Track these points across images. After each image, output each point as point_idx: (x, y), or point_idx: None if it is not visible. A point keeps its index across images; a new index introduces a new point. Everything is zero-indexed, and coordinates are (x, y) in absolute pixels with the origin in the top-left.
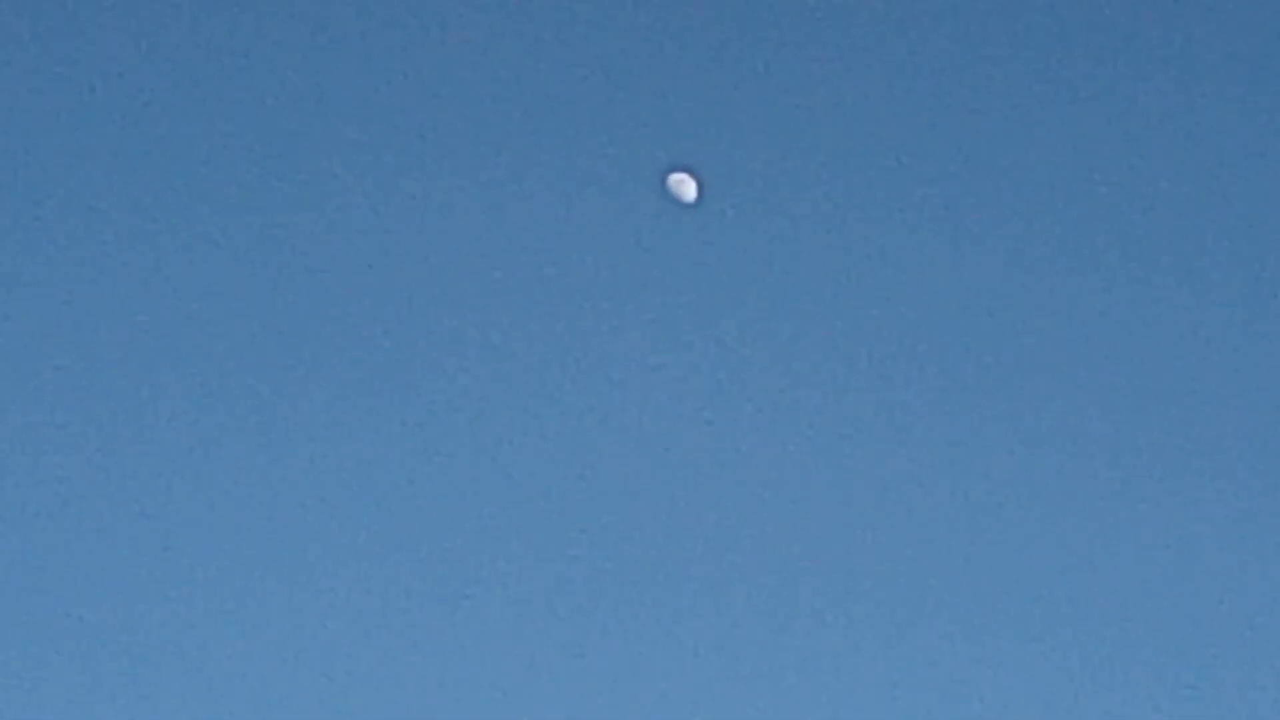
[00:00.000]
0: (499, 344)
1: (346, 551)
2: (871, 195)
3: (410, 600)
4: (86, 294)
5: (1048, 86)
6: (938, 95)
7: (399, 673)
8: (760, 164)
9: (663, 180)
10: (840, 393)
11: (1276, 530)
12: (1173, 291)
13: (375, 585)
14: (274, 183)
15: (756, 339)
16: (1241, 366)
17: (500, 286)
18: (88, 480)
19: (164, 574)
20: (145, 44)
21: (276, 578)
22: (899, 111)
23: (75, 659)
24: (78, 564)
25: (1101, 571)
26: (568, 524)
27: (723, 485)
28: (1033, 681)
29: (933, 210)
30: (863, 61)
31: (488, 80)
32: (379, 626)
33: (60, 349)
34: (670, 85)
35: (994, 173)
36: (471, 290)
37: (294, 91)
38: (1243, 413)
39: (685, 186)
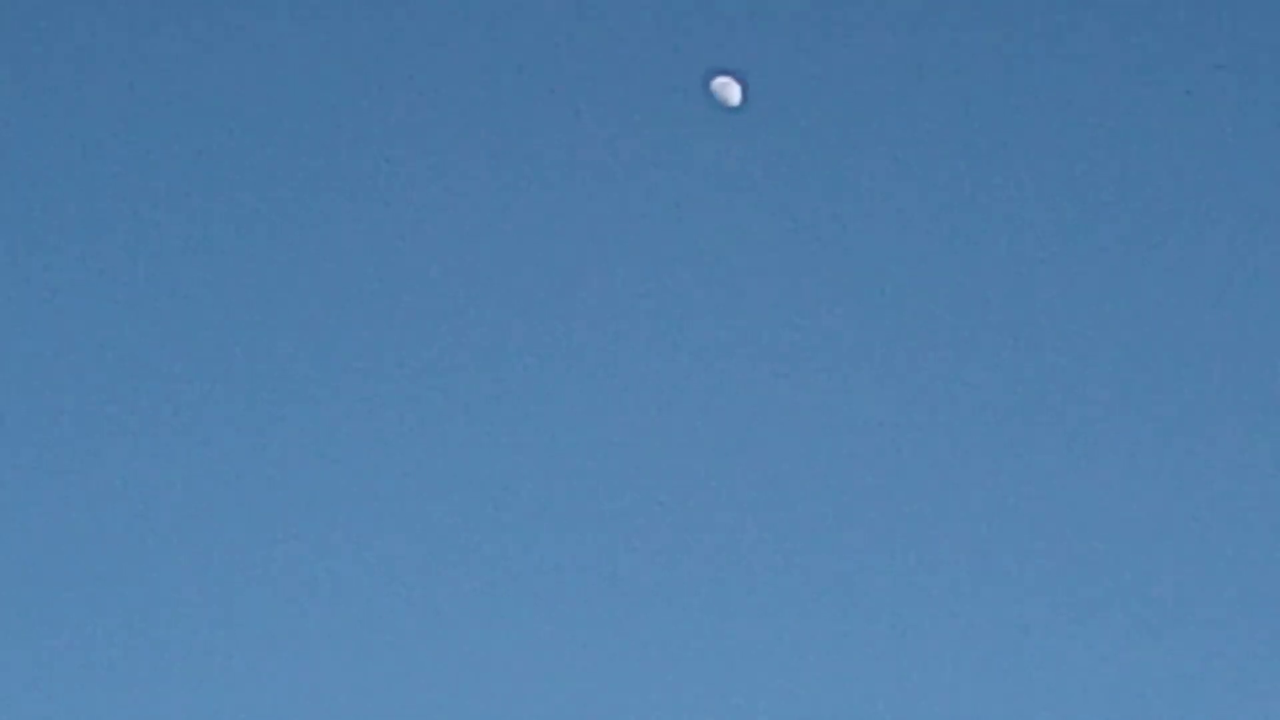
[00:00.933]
0: (541, 246)
1: (350, 535)
2: (918, 99)
3: (419, 585)
4: (84, 293)
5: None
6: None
7: (399, 673)
8: (804, 67)
9: (706, 84)
10: (886, 300)
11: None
12: (1173, 285)
13: (378, 575)
14: (285, 109)
15: (800, 243)
16: (1242, 363)
17: (543, 190)
18: (86, 480)
19: (163, 573)
20: (145, 43)
21: (276, 576)
22: (948, 13)
23: (75, 659)
24: (77, 563)
25: (1104, 569)
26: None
27: (762, 401)
28: (1035, 680)
29: (981, 113)
30: None
31: None
32: (379, 625)
33: (60, 348)
34: None
35: (1054, 76)
36: (513, 195)
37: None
38: (1243, 410)
39: (729, 90)
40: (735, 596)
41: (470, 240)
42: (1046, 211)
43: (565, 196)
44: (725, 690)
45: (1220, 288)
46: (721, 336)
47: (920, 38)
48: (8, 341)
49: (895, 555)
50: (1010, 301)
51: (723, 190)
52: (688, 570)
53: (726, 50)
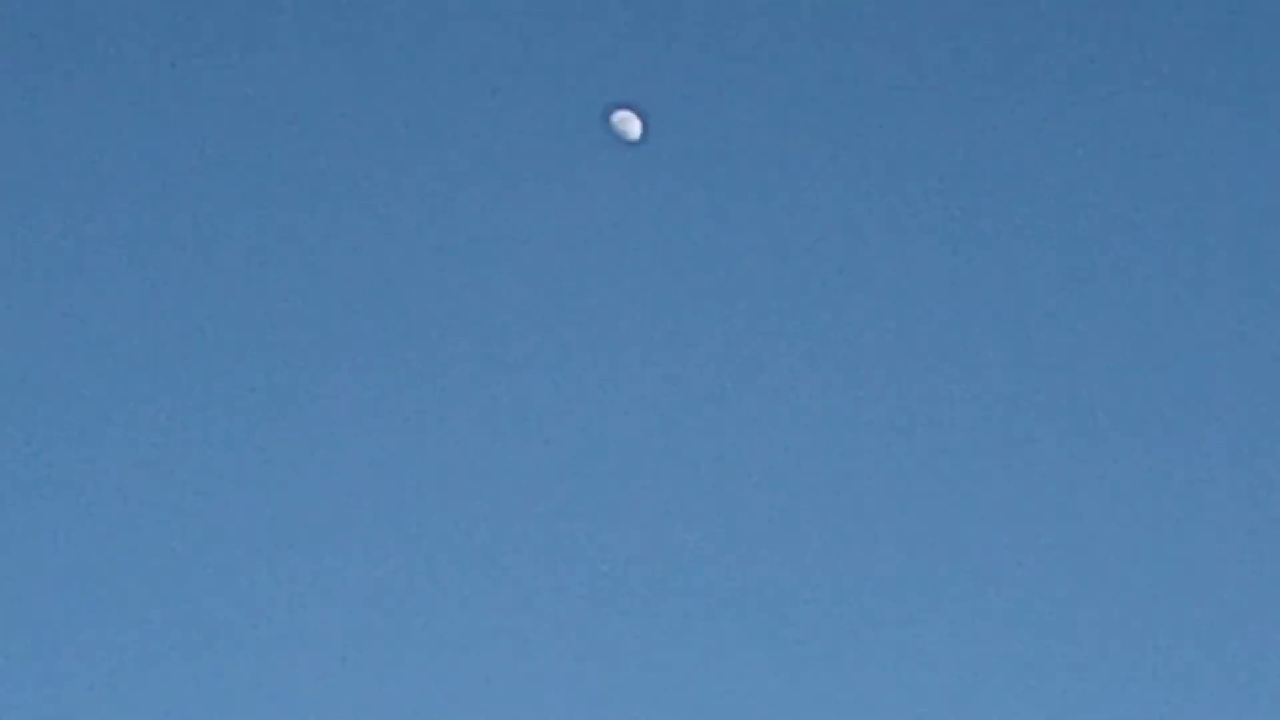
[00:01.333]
0: (437, 288)
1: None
2: (823, 133)
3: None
4: (85, 293)
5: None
6: (897, 28)
7: (399, 674)
8: (707, 101)
9: (606, 117)
10: (790, 339)
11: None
12: (1173, 289)
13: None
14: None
15: (703, 281)
16: (1242, 365)
17: (437, 227)
18: (87, 480)
19: (163, 575)
20: (145, 43)
21: (277, 578)
22: (850, 45)
23: (75, 659)
24: (78, 564)
25: (1105, 571)
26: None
27: (668, 439)
28: (1035, 683)
29: (888, 148)
30: None
31: (425, 13)
32: (380, 626)
33: (61, 349)
34: (614, 18)
35: (952, 116)
36: (409, 233)
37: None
38: (1243, 412)
39: (629, 124)
40: (733, 607)
41: (364, 280)
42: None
43: (462, 232)
44: (724, 693)
45: (1219, 302)
46: (616, 380)
47: (824, 68)
48: (10, 343)
49: (890, 572)
50: (937, 348)
51: (622, 229)
52: (683, 583)
53: (626, 84)
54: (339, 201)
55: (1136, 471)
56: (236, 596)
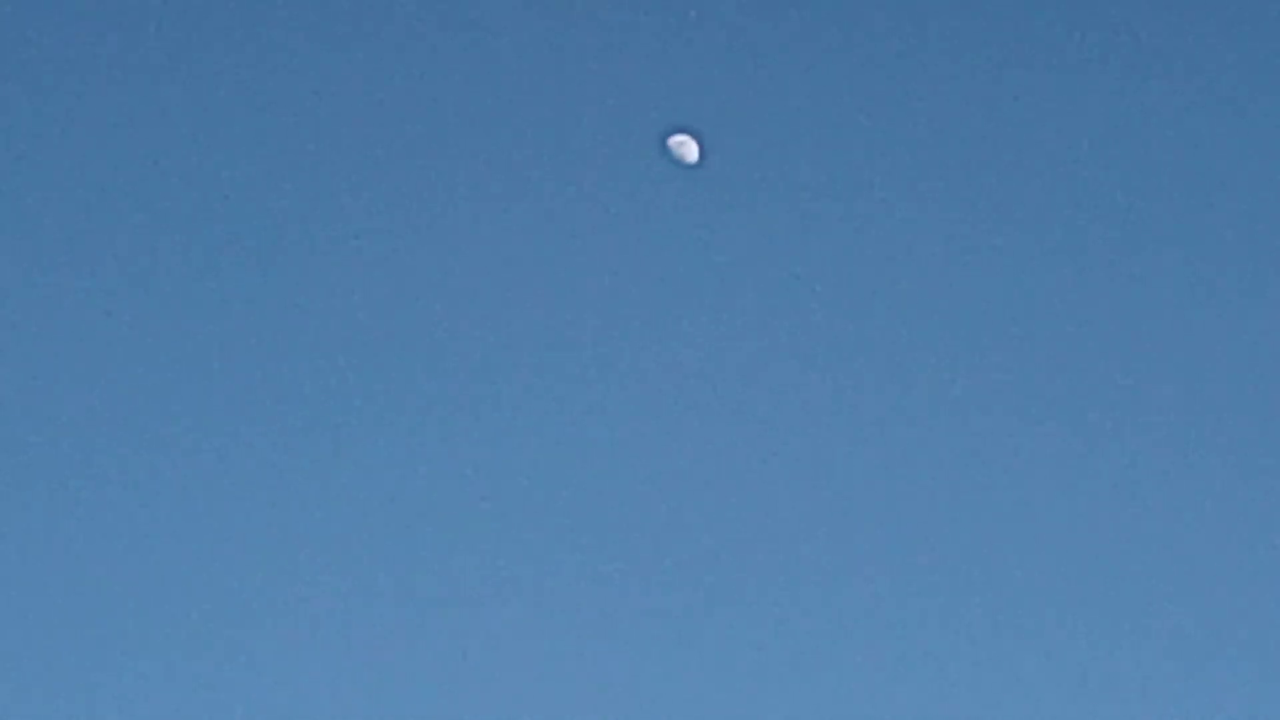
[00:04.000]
0: (496, 308)
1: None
2: (874, 157)
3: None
4: (86, 295)
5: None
6: (942, 55)
7: (399, 674)
8: (762, 125)
9: (664, 141)
10: (840, 360)
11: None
12: (1172, 289)
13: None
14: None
15: (757, 301)
16: (1241, 366)
17: (499, 249)
18: (89, 482)
19: (165, 576)
20: (145, 44)
21: (278, 580)
22: (901, 72)
23: (76, 659)
24: (80, 565)
25: (1101, 572)
26: (557, 499)
27: (717, 450)
28: (1032, 683)
29: (936, 173)
30: (865, 20)
31: (484, 43)
32: (380, 628)
33: (61, 350)
34: (671, 46)
35: (999, 139)
36: (469, 254)
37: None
38: (1242, 413)
39: (687, 148)
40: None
41: (429, 299)
42: (1013, 271)
43: (518, 257)
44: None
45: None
46: (671, 398)
47: (878, 96)
48: (13, 350)
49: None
50: (979, 368)
51: (680, 250)
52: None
53: (684, 108)
54: (406, 222)
55: (1136, 472)
56: (238, 597)
